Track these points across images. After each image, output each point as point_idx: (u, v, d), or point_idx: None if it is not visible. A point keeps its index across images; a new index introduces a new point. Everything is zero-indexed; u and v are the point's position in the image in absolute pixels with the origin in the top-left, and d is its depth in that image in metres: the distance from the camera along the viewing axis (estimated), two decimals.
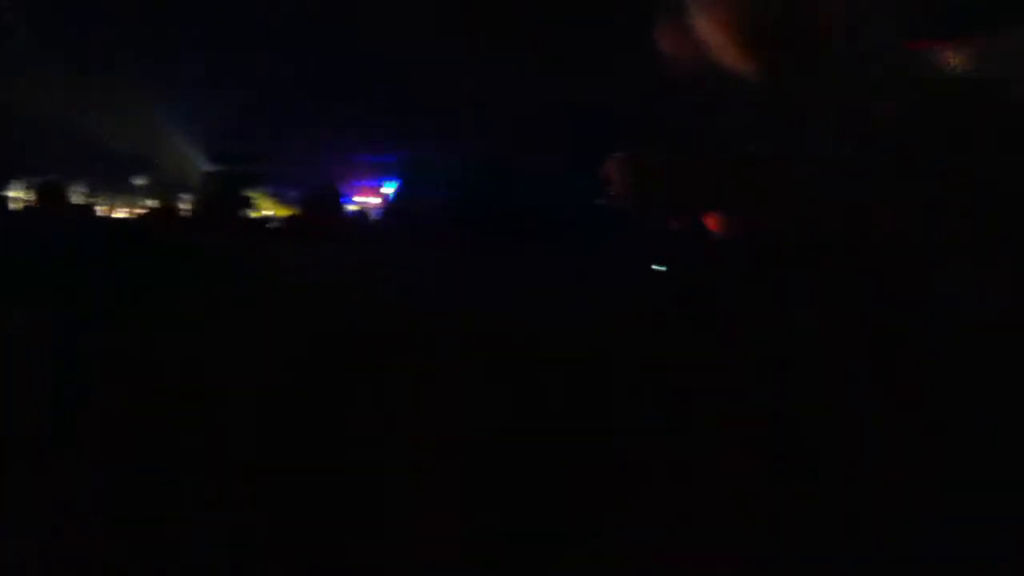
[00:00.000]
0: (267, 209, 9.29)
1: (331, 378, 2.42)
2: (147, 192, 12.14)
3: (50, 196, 4.49)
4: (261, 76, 13.30)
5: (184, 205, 8.02)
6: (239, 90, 12.74)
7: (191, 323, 3.06)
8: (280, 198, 10.88)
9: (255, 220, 7.62)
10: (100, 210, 10.91)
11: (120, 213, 11.42)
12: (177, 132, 13.00)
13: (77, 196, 11.20)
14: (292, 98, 14.25)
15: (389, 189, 15.21)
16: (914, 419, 1.43)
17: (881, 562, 1.39)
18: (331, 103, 14.06)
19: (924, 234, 1.38)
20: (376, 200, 15.40)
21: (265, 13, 13.02)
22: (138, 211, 9.45)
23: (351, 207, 14.84)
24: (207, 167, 10.13)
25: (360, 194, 15.50)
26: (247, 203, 7.53)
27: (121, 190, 12.83)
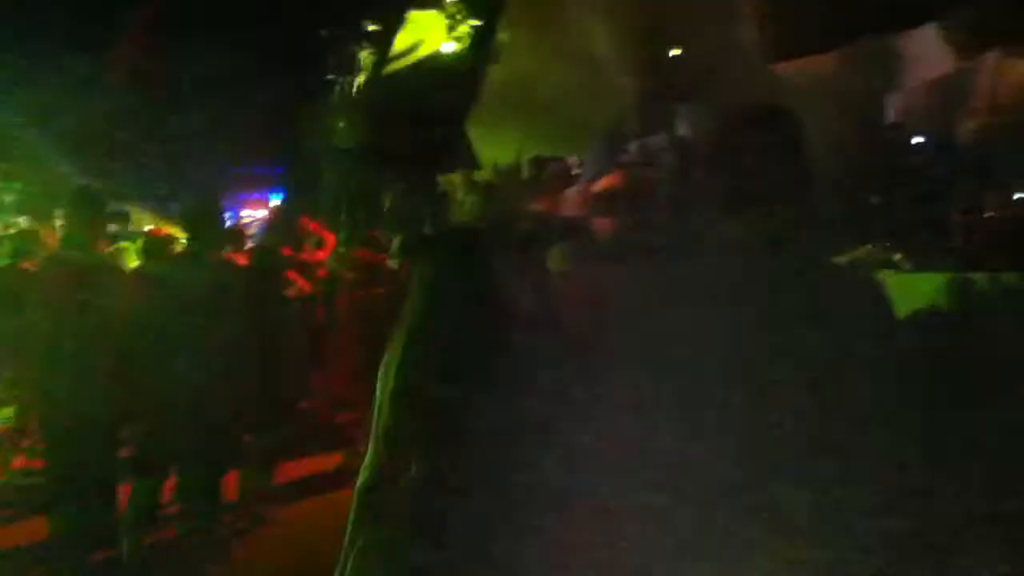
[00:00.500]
0: (148, 223, 8.95)
1: None
2: (16, 209, 11.42)
3: None
4: (135, 88, 12.68)
5: (56, 221, 7.65)
6: (109, 101, 12.16)
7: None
8: (162, 212, 10.43)
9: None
10: None
11: None
12: (47, 146, 12.32)
13: None
14: (170, 109, 13.64)
15: (276, 201, 14.67)
16: None
17: None
18: (213, 114, 13.55)
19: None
20: (263, 212, 14.85)
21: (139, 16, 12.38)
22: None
23: (240, 219, 14.28)
24: (79, 182, 9.66)
25: (247, 206, 14.97)
26: (123, 218, 7.22)
27: None
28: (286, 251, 5.57)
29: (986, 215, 4.97)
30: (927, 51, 7.58)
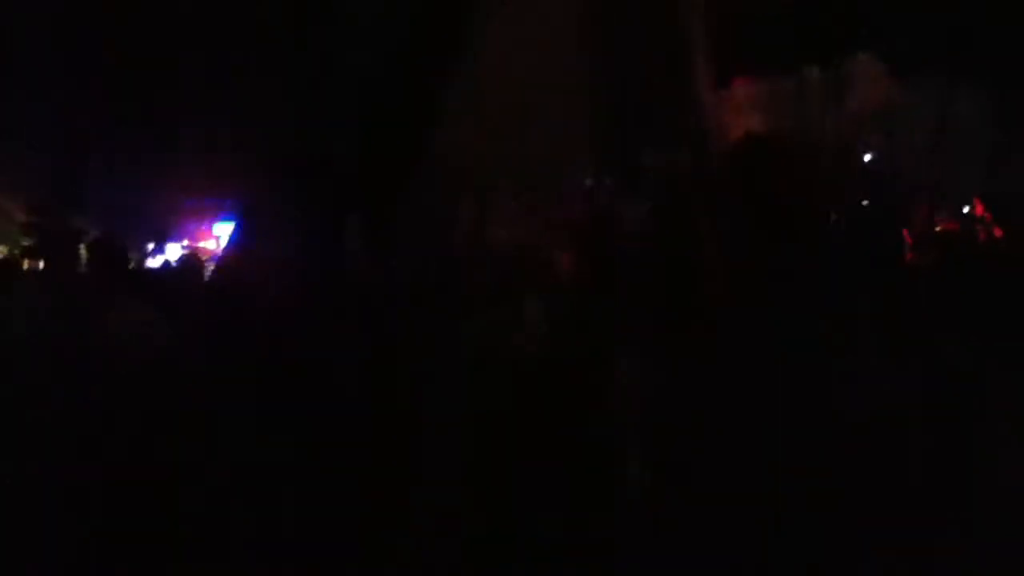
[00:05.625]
0: None
1: None
2: None
3: None
4: (82, 121, 12.47)
5: None
6: (57, 136, 11.91)
7: None
8: None
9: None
10: None
11: None
12: None
13: None
14: (115, 143, 13.40)
15: (223, 229, 14.54)
16: None
17: None
18: (157, 146, 13.35)
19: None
20: (211, 243, 14.68)
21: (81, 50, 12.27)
22: None
23: (181, 252, 14.04)
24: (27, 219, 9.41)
25: (197, 238, 14.78)
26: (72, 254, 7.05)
27: None
28: None
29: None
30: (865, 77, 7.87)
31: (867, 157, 8.15)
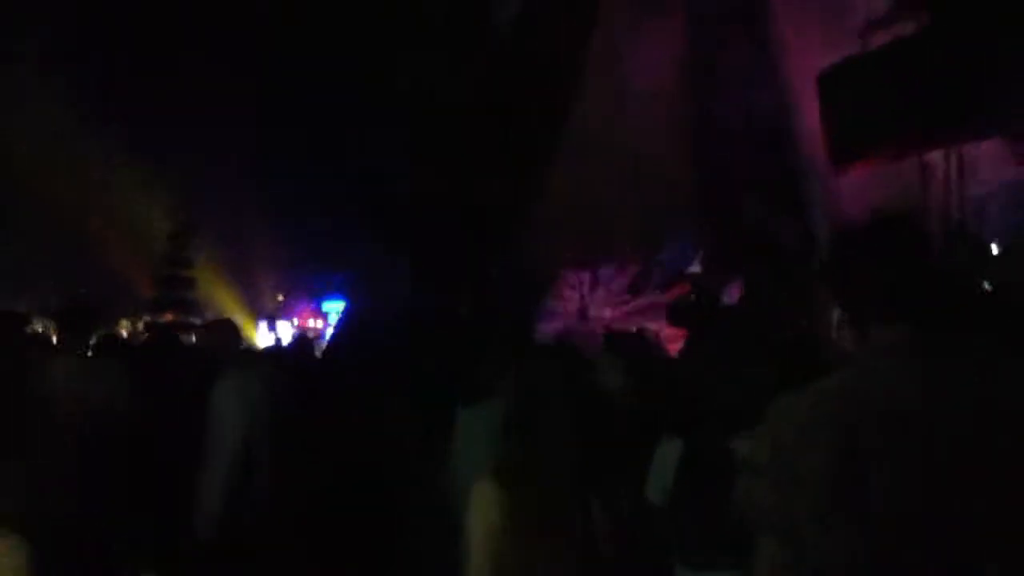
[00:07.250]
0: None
1: None
2: None
3: None
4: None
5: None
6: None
7: None
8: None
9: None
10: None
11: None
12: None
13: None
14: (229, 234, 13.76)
15: (333, 307, 14.71)
16: None
17: None
18: (274, 221, 13.63)
19: None
20: (318, 322, 14.86)
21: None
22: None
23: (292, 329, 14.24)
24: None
25: (304, 317, 15.05)
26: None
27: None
28: None
29: None
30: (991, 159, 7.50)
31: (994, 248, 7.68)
